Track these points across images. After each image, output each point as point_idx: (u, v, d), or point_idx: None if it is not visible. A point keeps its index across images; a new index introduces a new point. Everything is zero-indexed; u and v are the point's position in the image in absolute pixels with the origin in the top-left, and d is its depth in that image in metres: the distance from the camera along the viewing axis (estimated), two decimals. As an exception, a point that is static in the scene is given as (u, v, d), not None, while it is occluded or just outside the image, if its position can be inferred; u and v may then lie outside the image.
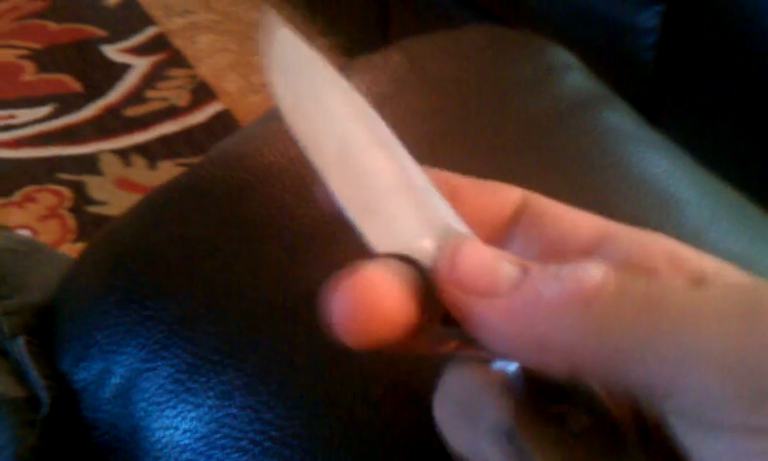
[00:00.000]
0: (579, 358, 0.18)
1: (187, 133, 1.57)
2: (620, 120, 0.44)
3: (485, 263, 0.20)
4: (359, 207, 0.22)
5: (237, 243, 0.38)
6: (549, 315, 0.18)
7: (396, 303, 0.19)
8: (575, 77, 0.46)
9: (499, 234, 0.23)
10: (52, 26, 1.89)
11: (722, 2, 0.93)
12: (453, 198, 0.23)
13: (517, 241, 0.23)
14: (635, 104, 0.48)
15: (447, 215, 0.22)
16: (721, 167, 0.46)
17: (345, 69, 0.47)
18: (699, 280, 0.20)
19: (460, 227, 0.22)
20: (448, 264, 0.20)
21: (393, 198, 0.22)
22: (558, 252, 0.22)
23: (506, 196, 0.24)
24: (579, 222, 0.23)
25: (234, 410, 0.32)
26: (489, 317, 0.19)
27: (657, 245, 0.22)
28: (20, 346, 0.39)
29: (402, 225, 0.21)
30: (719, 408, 0.17)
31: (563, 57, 0.48)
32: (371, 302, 0.19)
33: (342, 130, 0.23)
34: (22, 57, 1.79)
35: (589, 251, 0.22)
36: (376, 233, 0.21)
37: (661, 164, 0.42)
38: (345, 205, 0.22)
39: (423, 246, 0.21)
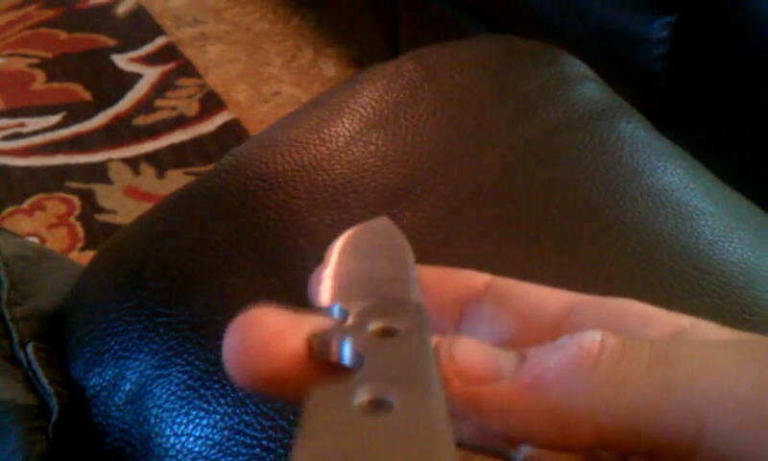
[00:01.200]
0: (600, 421, 0.18)
1: (196, 143, 1.57)
2: (634, 130, 0.44)
3: (483, 352, 0.19)
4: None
5: (250, 250, 0.38)
6: (560, 382, 0.18)
7: (289, 336, 0.18)
8: (589, 87, 0.46)
9: (460, 314, 0.23)
10: (62, 35, 1.90)
11: (733, 13, 0.93)
12: (421, 281, 0.23)
13: (483, 322, 0.23)
14: (645, 114, 0.48)
15: (401, 286, 0.22)
16: (732, 177, 0.46)
17: (358, 77, 0.47)
18: (679, 334, 0.20)
19: (412, 297, 0.21)
20: (447, 357, 0.19)
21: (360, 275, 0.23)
22: (528, 327, 0.22)
23: (470, 279, 0.24)
24: (547, 296, 0.22)
25: (247, 417, 0.32)
26: (498, 400, 0.18)
27: (627, 308, 0.22)
28: (30, 353, 0.39)
29: (338, 284, 0.22)
30: (752, 454, 0.17)
31: (576, 67, 0.48)
32: (264, 334, 0.18)
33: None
34: (33, 65, 1.80)
35: (560, 321, 0.22)
36: (315, 293, 0.22)
37: (676, 174, 0.42)
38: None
39: (349, 302, 0.21)
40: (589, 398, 0.18)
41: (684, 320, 0.21)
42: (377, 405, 0.17)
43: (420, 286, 0.22)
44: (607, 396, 0.18)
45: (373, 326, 0.19)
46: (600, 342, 0.18)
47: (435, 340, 0.20)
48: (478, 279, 0.23)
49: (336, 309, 0.20)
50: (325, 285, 0.22)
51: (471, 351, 0.19)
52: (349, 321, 0.20)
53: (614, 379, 0.18)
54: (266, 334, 0.18)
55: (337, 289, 0.22)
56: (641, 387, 0.17)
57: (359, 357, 0.18)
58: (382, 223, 0.26)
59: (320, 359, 0.19)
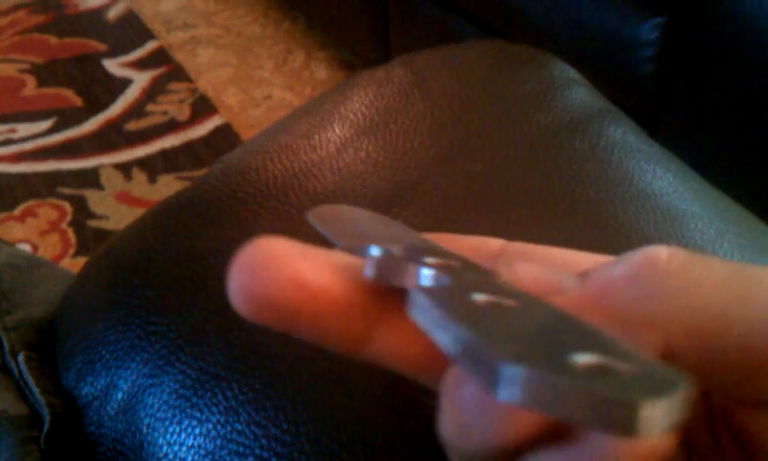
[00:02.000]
0: (670, 327, 0.17)
1: (188, 147, 1.57)
2: (624, 134, 0.44)
3: (544, 269, 0.19)
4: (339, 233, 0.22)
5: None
6: (628, 288, 0.17)
7: (289, 260, 0.17)
8: (578, 91, 0.46)
9: None
10: (53, 40, 1.90)
11: (722, 15, 0.93)
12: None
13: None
14: (634, 116, 0.48)
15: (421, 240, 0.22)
16: (721, 178, 0.46)
17: (348, 83, 0.47)
18: None
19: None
20: (509, 273, 0.19)
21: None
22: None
23: (485, 244, 0.23)
24: (571, 258, 0.22)
25: (240, 426, 0.32)
26: (568, 309, 0.17)
27: None
28: (21, 362, 0.39)
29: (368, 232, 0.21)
30: None
31: (566, 71, 0.48)
32: (262, 257, 0.17)
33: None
34: (23, 71, 1.80)
35: None
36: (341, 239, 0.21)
37: (666, 178, 0.42)
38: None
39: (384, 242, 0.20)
40: (660, 302, 0.17)
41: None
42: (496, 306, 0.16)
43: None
44: (678, 301, 0.17)
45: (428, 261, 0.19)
46: (668, 253, 0.18)
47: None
48: (491, 242, 0.23)
49: (373, 249, 0.19)
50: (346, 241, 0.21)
51: (533, 267, 0.19)
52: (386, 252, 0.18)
53: (687, 286, 0.17)
54: (268, 256, 0.17)
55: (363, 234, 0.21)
56: (716, 296, 0.17)
57: (443, 278, 0.18)
58: (336, 207, 0.26)
59: (379, 285, 0.18)
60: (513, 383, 0.13)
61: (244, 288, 0.17)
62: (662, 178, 0.42)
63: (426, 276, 0.18)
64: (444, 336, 0.15)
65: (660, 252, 0.18)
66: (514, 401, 0.13)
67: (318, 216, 0.25)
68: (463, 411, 0.17)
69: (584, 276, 0.19)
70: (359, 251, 0.19)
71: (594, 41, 1.06)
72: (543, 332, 0.15)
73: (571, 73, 0.48)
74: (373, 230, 0.23)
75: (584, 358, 0.14)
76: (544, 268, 0.19)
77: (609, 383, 0.13)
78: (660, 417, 0.13)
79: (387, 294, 0.19)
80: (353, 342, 0.19)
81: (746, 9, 0.90)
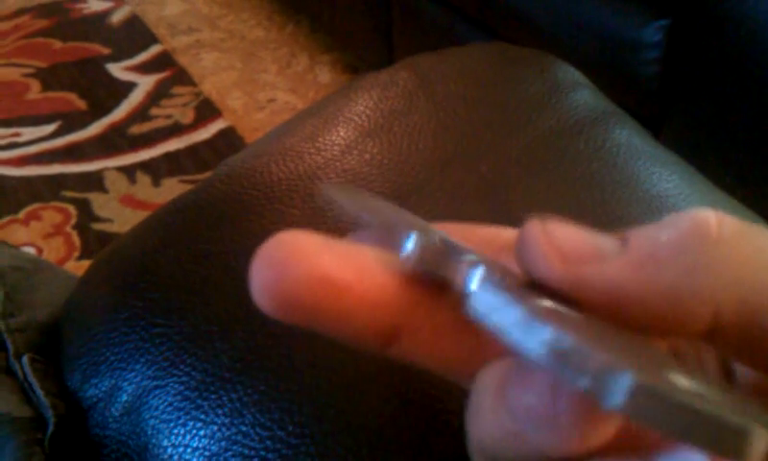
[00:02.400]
0: (721, 299, 0.16)
1: (192, 151, 1.57)
2: (629, 137, 0.44)
3: (581, 232, 0.18)
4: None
5: (247, 260, 0.37)
6: (677, 257, 0.16)
7: (314, 255, 0.17)
8: (583, 94, 0.46)
9: None
10: (57, 44, 1.90)
11: (727, 17, 0.93)
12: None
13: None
14: (638, 118, 0.48)
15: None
16: (725, 180, 0.46)
17: (352, 86, 0.47)
18: None
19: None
20: (542, 235, 0.17)
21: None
22: None
23: (498, 234, 0.22)
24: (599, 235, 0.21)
25: (245, 428, 0.32)
26: (606, 280, 0.17)
27: None
28: (26, 365, 0.39)
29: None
30: None
31: (570, 74, 0.48)
32: (286, 253, 0.16)
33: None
34: (27, 75, 1.80)
35: None
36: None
37: (671, 181, 0.42)
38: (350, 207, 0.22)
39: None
40: (710, 274, 0.16)
41: None
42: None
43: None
44: (729, 274, 0.16)
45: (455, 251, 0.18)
46: (717, 219, 0.17)
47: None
48: (505, 233, 0.22)
49: (414, 237, 0.18)
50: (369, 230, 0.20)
51: (569, 231, 0.18)
52: (420, 241, 0.18)
53: (738, 257, 0.16)
54: (292, 252, 0.17)
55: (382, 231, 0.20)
56: (764, 270, 0.16)
57: (494, 276, 0.17)
58: (344, 186, 0.25)
59: (411, 277, 0.18)
60: (623, 393, 0.13)
61: (267, 284, 0.17)
62: (668, 180, 0.42)
63: (477, 272, 0.17)
64: (530, 338, 0.15)
65: (710, 218, 0.17)
66: (619, 410, 0.13)
67: (332, 191, 0.25)
68: (518, 418, 0.16)
69: (623, 239, 0.17)
70: (394, 232, 0.19)
71: (598, 43, 1.06)
72: (628, 346, 0.15)
73: (576, 75, 0.48)
74: (389, 214, 0.23)
75: (680, 380, 0.14)
76: (580, 231, 0.18)
77: (718, 406, 0.13)
78: (762, 446, 0.13)
79: (416, 288, 0.18)
80: (381, 339, 0.18)
81: (750, 11, 0.90)
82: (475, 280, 0.17)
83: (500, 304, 0.16)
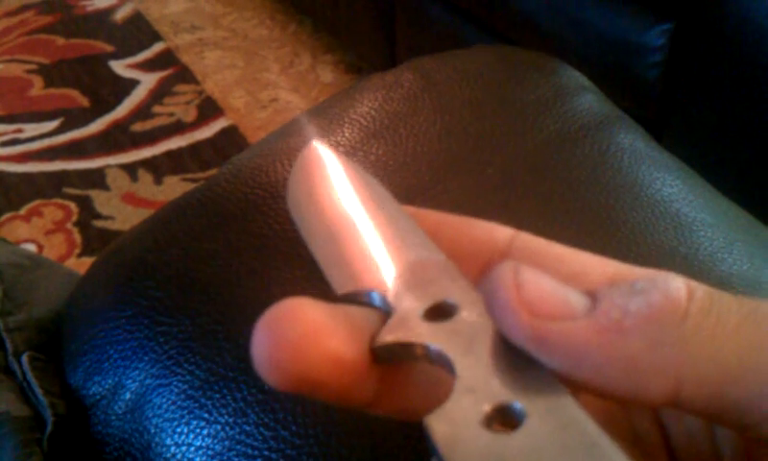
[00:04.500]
0: (683, 376, 0.16)
1: (194, 149, 1.57)
2: (633, 141, 0.44)
3: (552, 285, 0.17)
4: (327, 256, 0.21)
5: (251, 259, 0.38)
6: (643, 330, 0.16)
7: (329, 338, 0.17)
8: (587, 98, 0.46)
9: (480, 271, 0.21)
10: (60, 41, 1.90)
11: (729, 21, 0.93)
12: (435, 235, 0.22)
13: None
14: (640, 121, 0.48)
15: (419, 248, 0.21)
16: (726, 187, 0.46)
17: (357, 87, 0.47)
18: None
19: (435, 255, 0.20)
20: (512, 285, 0.17)
21: (360, 245, 0.21)
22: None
23: (492, 232, 0.22)
24: (587, 264, 0.20)
25: (248, 428, 0.32)
26: (570, 340, 0.17)
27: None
28: (25, 363, 0.39)
29: (363, 266, 0.21)
30: None
31: (575, 78, 0.48)
32: (299, 332, 0.17)
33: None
34: (30, 71, 1.80)
35: None
36: (338, 278, 0.21)
37: (675, 186, 0.42)
38: (314, 250, 0.22)
39: (383, 281, 0.20)
40: (674, 350, 0.16)
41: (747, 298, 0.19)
42: (505, 414, 0.16)
43: (442, 235, 0.21)
44: (694, 350, 0.16)
45: (425, 306, 0.18)
46: (687, 292, 0.17)
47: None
48: (500, 232, 0.22)
49: (375, 297, 0.19)
50: (346, 269, 0.20)
51: (540, 282, 0.18)
52: (397, 307, 0.19)
53: (702, 333, 0.16)
54: (306, 331, 0.17)
55: (357, 268, 0.20)
56: (731, 344, 0.16)
57: (446, 359, 0.17)
58: (319, 154, 0.25)
59: (390, 362, 0.18)
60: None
61: (275, 363, 0.17)
62: (672, 185, 0.42)
63: (434, 359, 0.18)
64: None
65: (680, 291, 0.17)
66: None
67: (300, 181, 0.24)
68: None
69: (593, 297, 0.17)
70: (363, 297, 0.19)
71: (601, 46, 1.06)
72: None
73: (580, 79, 0.48)
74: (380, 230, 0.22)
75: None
76: (551, 282, 0.18)
77: None
78: None
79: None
80: (367, 402, 0.19)
81: (753, 15, 0.90)
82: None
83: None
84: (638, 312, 0.17)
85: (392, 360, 0.18)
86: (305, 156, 0.25)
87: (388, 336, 0.18)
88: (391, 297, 0.19)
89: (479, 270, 0.21)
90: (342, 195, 0.23)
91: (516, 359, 0.17)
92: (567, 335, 0.17)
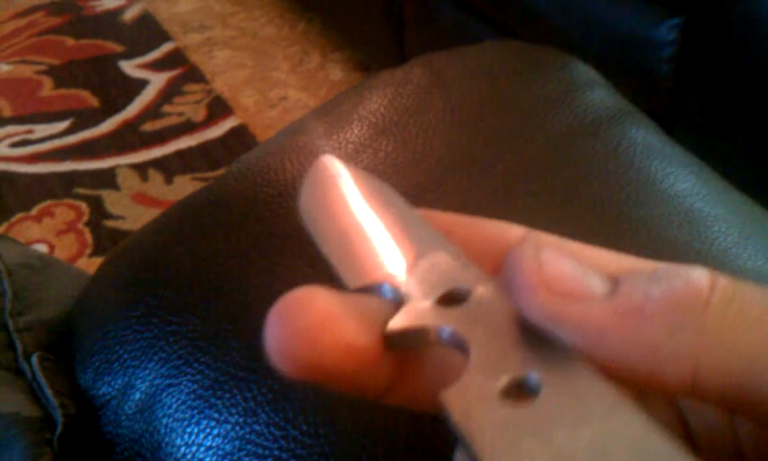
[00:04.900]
0: (701, 364, 0.16)
1: (204, 148, 1.57)
2: (645, 136, 0.44)
3: (572, 266, 0.18)
4: (340, 255, 0.21)
5: (261, 258, 0.37)
6: (663, 316, 0.16)
7: (342, 327, 0.17)
8: (599, 93, 0.46)
9: (493, 270, 0.21)
10: (70, 42, 1.91)
11: (740, 15, 0.92)
12: (448, 236, 0.22)
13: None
14: (652, 116, 0.47)
15: (431, 242, 0.21)
16: (739, 179, 0.46)
17: (366, 84, 0.47)
18: None
19: (447, 247, 0.21)
20: (533, 262, 0.17)
21: (372, 242, 0.22)
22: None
23: (505, 232, 0.22)
24: (601, 259, 0.20)
25: (259, 427, 0.32)
26: (589, 321, 0.17)
27: None
28: (35, 364, 0.39)
29: (375, 261, 0.21)
30: None
31: (586, 72, 0.48)
32: (312, 320, 0.17)
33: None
34: (40, 72, 1.81)
35: None
36: (350, 274, 0.21)
37: (688, 180, 0.41)
38: (327, 252, 0.22)
39: (395, 274, 0.20)
40: (694, 338, 0.16)
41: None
42: (521, 387, 0.16)
43: (455, 236, 0.21)
44: (714, 339, 0.16)
45: (438, 293, 0.19)
46: (710, 281, 0.17)
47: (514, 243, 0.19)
48: (513, 231, 0.22)
49: (387, 289, 0.19)
50: (358, 265, 0.21)
51: (560, 261, 0.18)
52: (410, 295, 0.19)
53: (724, 323, 0.16)
54: (318, 319, 0.17)
55: (369, 263, 0.21)
56: (753, 335, 0.16)
57: (460, 340, 0.17)
58: (329, 165, 0.25)
59: (403, 348, 0.18)
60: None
61: (287, 351, 0.17)
62: (685, 180, 0.41)
63: (447, 342, 0.18)
64: None
65: (703, 280, 0.17)
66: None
67: (314, 190, 0.25)
68: None
69: (614, 282, 0.17)
70: (374, 290, 0.20)
71: (612, 41, 1.05)
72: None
73: (591, 74, 0.48)
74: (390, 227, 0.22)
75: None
76: (572, 263, 0.18)
77: None
78: None
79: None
80: (381, 391, 0.19)
81: (763, 8, 0.89)
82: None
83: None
84: (660, 298, 0.17)
85: (405, 346, 0.18)
86: (317, 167, 0.25)
87: (400, 322, 0.18)
88: (403, 288, 0.19)
89: (492, 270, 0.21)
90: (354, 199, 0.23)
91: (531, 336, 0.17)
92: (587, 315, 0.17)
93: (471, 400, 0.16)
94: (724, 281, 0.17)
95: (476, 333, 0.18)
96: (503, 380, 0.16)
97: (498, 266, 0.21)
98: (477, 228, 0.22)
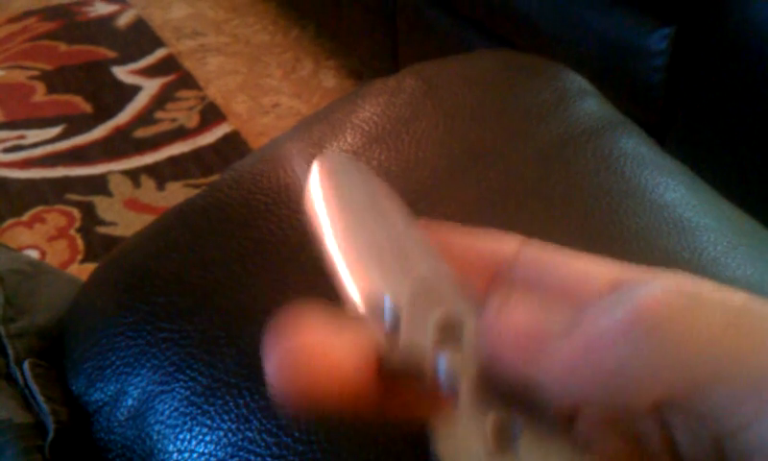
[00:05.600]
0: (661, 387, 0.16)
1: (197, 155, 1.57)
2: (636, 146, 0.44)
3: (533, 314, 0.18)
4: (340, 261, 0.22)
5: (254, 265, 0.37)
6: (619, 345, 0.17)
7: (337, 356, 0.18)
8: (590, 102, 0.46)
9: (493, 284, 0.22)
10: (63, 47, 1.91)
11: (732, 25, 0.93)
12: (443, 247, 0.22)
13: (517, 293, 0.21)
14: (642, 125, 0.48)
15: (429, 265, 0.22)
16: (730, 188, 0.46)
17: (359, 92, 0.47)
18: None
19: (443, 274, 0.21)
20: (496, 321, 0.18)
21: (374, 258, 0.22)
22: (567, 301, 0.20)
23: (499, 244, 0.22)
24: (591, 271, 0.20)
25: (251, 434, 0.32)
26: (552, 364, 0.17)
27: (676, 289, 0.20)
28: (26, 370, 0.39)
29: (377, 279, 0.21)
30: None
31: (577, 82, 0.48)
32: (310, 358, 0.18)
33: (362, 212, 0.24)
34: (33, 78, 1.81)
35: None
36: (348, 281, 0.21)
37: (678, 190, 0.42)
38: (327, 251, 0.22)
39: (393, 292, 0.20)
40: (652, 359, 0.16)
41: (738, 299, 0.19)
42: (504, 430, 0.17)
43: (450, 250, 0.22)
44: (671, 357, 0.16)
45: (433, 319, 0.19)
46: (661, 296, 0.17)
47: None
48: (507, 244, 0.22)
49: (387, 308, 0.20)
50: (352, 277, 0.21)
51: (521, 314, 0.18)
52: (406, 321, 0.19)
53: (680, 340, 0.16)
54: (318, 365, 0.18)
55: (366, 278, 0.21)
56: (709, 351, 0.16)
57: (455, 379, 0.18)
58: (333, 162, 0.25)
59: (398, 375, 0.19)
60: None
61: (289, 389, 0.18)
62: (675, 189, 0.41)
63: (442, 376, 0.19)
64: None
65: (652, 297, 0.17)
66: None
67: (323, 184, 0.25)
68: None
69: (575, 318, 0.18)
70: (369, 305, 0.20)
71: (603, 51, 1.06)
72: None
73: (583, 84, 0.48)
74: (388, 239, 0.23)
75: None
76: (536, 309, 0.18)
77: None
78: None
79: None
80: (372, 411, 0.20)
81: (755, 18, 0.90)
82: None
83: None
84: (614, 327, 0.17)
85: (398, 376, 0.19)
86: (322, 162, 0.25)
87: (398, 358, 0.19)
88: (400, 311, 0.20)
89: (488, 280, 0.21)
90: (356, 205, 0.24)
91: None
92: (550, 360, 0.17)
93: (459, 439, 0.17)
94: (674, 299, 0.17)
95: (468, 373, 0.18)
96: (489, 421, 0.17)
97: (493, 278, 0.21)
98: (472, 240, 0.23)
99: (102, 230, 1.41)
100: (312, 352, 0.18)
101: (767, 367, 0.16)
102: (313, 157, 0.26)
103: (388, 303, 0.20)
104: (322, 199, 0.24)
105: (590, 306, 0.18)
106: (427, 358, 0.19)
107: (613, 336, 0.17)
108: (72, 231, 1.41)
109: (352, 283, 0.21)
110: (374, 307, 0.20)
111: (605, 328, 0.17)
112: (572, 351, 0.17)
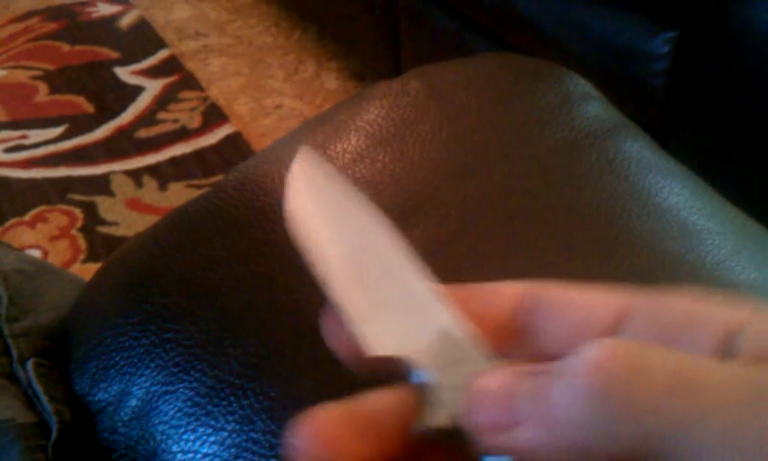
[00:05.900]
0: (613, 449, 0.17)
1: (198, 155, 1.57)
2: (640, 149, 0.44)
3: (499, 398, 0.19)
4: (359, 315, 0.22)
5: (258, 266, 0.38)
6: (569, 419, 0.17)
7: (356, 447, 0.19)
8: (594, 106, 0.46)
9: (508, 333, 0.22)
10: (65, 48, 1.91)
11: (734, 29, 0.93)
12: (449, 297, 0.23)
13: (531, 336, 0.22)
14: (646, 129, 0.48)
15: (446, 319, 0.22)
16: (733, 194, 0.46)
17: (363, 94, 0.47)
18: (725, 343, 0.19)
19: (459, 329, 0.21)
20: (469, 412, 0.19)
21: (391, 306, 0.22)
22: (579, 340, 0.20)
23: (507, 293, 0.23)
24: (596, 305, 0.21)
25: (255, 435, 0.32)
26: (522, 445, 0.18)
27: (678, 310, 0.20)
28: (30, 370, 0.39)
29: (397, 329, 0.22)
30: None
31: (581, 86, 0.48)
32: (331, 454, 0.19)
33: (351, 241, 0.24)
34: (35, 78, 1.81)
35: (613, 329, 0.20)
36: (372, 338, 0.21)
37: (682, 194, 0.42)
38: (345, 312, 0.22)
39: (417, 347, 0.21)
40: (600, 429, 0.17)
41: (740, 316, 0.19)
42: None
43: (461, 307, 0.22)
44: (615, 421, 0.17)
45: (463, 378, 0.20)
46: (607, 356, 0.17)
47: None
48: (508, 292, 0.23)
49: (422, 376, 0.20)
50: (364, 328, 0.21)
51: (500, 381, 0.19)
52: (437, 387, 0.20)
53: (633, 393, 0.17)
54: (352, 432, 0.19)
55: (381, 331, 0.21)
56: (653, 415, 0.17)
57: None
58: (308, 168, 0.25)
59: (434, 437, 0.20)
60: None
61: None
62: (679, 193, 0.42)
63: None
64: None
65: (601, 356, 0.17)
66: None
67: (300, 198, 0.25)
68: None
69: (535, 389, 0.19)
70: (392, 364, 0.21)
71: (606, 54, 1.06)
72: None
73: (587, 87, 0.48)
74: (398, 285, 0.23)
75: None
76: (512, 379, 0.19)
77: None
78: None
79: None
80: None
81: (758, 22, 0.90)
82: None
83: None
84: (561, 402, 0.18)
85: (434, 439, 0.20)
86: (296, 172, 0.25)
87: (434, 422, 0.20)
88: (424, 370, 0.20)
89: (493, 330, 0.22)
90: (349, 231, 0.24)
91: None
92: (521, 442, 0.18)
93: None
94: (624, 349, 0.17)
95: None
96: None
97: (499, 328, 0.22)
98: (471, 296, 0.23)
99: (104, 230, 1.41)
100: (343, 423, 0.20)
101: (708, 437, 0.16)
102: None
103: (413, 362, 0.20)
104: (308, 227, 0.24)
105: (545, 377, 0.18)
106: (463, 419, 0.19)
107: (563, 413, 0.18)
108: (74, 231, 1.41)
109: (365, 336, 0.21)
110: (398, 366, 0.21)
111: (555, 406, 0.18)
112: (533, 433, 0.18)
